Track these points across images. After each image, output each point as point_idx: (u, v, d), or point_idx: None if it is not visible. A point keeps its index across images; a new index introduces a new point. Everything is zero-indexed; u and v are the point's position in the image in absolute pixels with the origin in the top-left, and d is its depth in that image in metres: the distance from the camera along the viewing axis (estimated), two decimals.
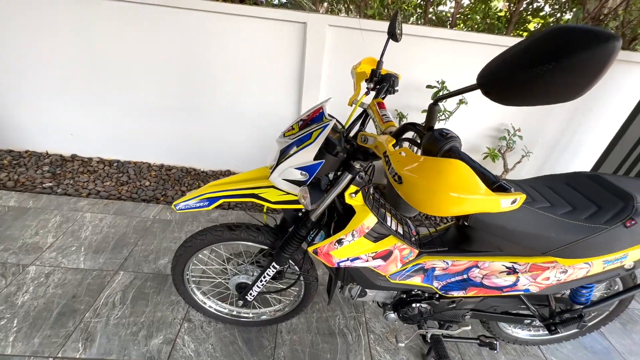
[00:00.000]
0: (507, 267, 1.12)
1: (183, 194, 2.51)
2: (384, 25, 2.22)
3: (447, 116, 2.34)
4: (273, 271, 1.18)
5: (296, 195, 1.02)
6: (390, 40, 1.15)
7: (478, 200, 0.49)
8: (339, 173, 1.00)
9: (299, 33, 2.26)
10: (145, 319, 1.51)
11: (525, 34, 4.28)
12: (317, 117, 0.95)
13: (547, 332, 1.29)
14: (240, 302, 1.31)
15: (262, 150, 2.78)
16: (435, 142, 0.63)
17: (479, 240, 1.14)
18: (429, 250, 1.16)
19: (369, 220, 1.01)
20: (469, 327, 1.36)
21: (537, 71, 0.46)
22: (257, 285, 1.24)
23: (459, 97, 2.38)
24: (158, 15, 2.19)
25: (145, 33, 2.25)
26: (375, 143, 0.74)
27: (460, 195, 0.48)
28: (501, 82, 0.48)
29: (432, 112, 0.66)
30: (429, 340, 1.37)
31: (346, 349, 1.50)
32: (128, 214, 2.20)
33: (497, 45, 2.32)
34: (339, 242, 1.01)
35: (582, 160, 2.96)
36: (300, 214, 1.11)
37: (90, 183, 2.48)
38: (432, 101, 0.66)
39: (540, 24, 4.32)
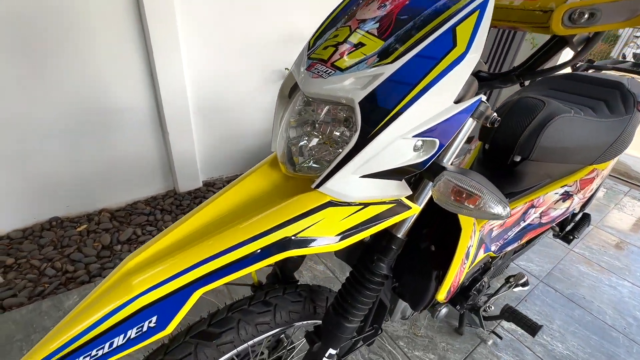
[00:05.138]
0: (560, 195, 0.96)
1: None
2: None
3: None
4: None
5: (386, 203, 0.45)
6: None
7: None
8: None
9: None
10: None
11: None
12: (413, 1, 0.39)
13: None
14: None
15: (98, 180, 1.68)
16: None
17: (529, 175, 0.92)
18: None
19: None
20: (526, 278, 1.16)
21: None
22: None
23: None
24: None
25: None
26: None
27: None
28: None
29: None
30: (487, 315, 1.12)
31: None
32: None
33: None
34: (467, 254, 0.55)
35: None
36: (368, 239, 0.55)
37: None
38: None
39: None
